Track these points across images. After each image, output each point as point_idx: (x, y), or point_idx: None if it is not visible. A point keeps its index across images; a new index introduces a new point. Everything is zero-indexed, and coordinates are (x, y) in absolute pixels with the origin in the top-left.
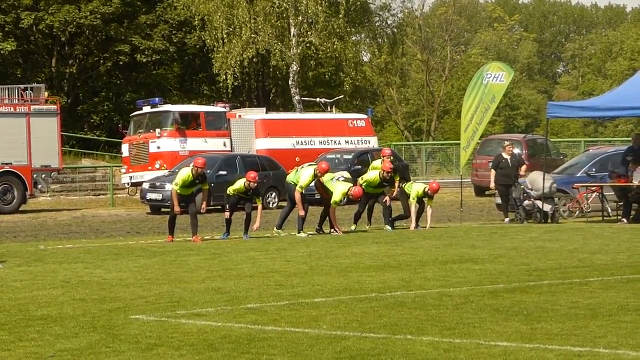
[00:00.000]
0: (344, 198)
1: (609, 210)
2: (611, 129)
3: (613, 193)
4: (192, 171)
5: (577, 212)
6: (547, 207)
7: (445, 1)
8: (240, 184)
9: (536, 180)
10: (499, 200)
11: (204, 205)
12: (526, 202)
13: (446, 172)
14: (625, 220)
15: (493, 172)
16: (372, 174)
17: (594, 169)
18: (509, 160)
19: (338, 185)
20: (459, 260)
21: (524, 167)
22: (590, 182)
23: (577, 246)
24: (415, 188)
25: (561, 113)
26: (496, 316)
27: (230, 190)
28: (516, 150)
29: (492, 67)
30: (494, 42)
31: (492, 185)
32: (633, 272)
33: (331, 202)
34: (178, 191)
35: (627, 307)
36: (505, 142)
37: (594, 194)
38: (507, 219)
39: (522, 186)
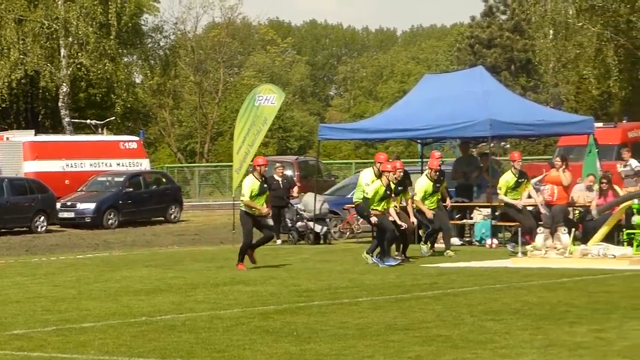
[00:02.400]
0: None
1: None
2: (382, 150)
3: None
4: (255, 174)
5: (347, 233)
6: (319, 228)
7: (219, 24)
8: (375, 187)
9: (309, 202)
10: (271, 221)
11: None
12: (299, 223)
13: (219, 194)
14: None
15: None
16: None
17: None
18: (280, 182)
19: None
20: (230, 282)
21: (295, 189)
22: None
23: (347, 267)
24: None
25: (332, 135)
26: (266, 338)
27: (372, 202)
28: (288, 172)
29: (263, 90)
30: (267, 64)
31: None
32: (401, 291)
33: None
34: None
35: (395, 326)
36: (277, 164)
37: None
38: (279, 241)
39: (295, 207)
